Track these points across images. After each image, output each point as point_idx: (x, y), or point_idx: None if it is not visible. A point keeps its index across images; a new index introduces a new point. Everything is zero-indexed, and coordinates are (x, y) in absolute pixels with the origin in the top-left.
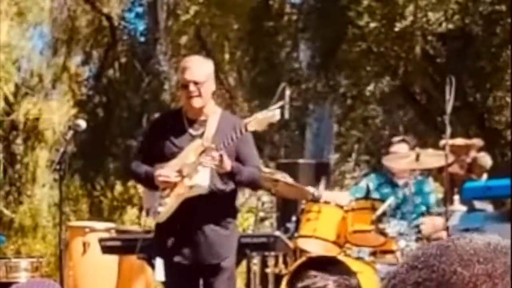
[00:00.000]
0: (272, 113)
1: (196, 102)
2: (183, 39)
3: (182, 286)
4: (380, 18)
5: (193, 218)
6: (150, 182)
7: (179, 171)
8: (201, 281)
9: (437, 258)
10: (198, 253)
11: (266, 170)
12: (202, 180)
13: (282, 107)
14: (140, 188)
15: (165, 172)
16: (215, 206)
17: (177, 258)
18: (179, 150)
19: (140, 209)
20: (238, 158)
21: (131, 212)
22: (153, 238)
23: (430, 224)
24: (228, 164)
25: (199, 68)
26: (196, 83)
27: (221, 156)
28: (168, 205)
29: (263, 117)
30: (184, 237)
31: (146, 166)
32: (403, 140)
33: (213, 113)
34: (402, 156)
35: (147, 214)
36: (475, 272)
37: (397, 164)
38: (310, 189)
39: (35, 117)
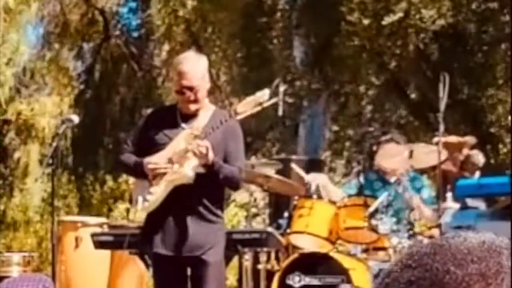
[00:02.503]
0: (261, 93)
1: (192, 107)
2: (176, 35)
3: (167, 278)
4: (372, 14)
5: (179, 210)
6: (139, 171)
7: (170, 160)
8: (189, 282)
9: (431, 257)
10: (181, 244)
11: (262, 160)
12: (192, 167)
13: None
14: (132, 185)
15: (155, 160)
16: (204, 197)
17: (161, 249)
18: (170, 142)
19: (130, 202)
20: (225, 153)
21: (122, 208)
22: (141, 230)
23: (420, 213)
24: (211, 157)
25: (196, 72)
26: (192, 88)
27: (207, 147)
28: (157, 193)
29: (252, 98)
30: (169, 228)
31: (135, 156)
32: (391, 139)
33: (207, 109)
34: (395, 154)
35: (136, 203)
36: (468, 272)
37: (390, 163)
38: (308, 177)
39: (27, 111)
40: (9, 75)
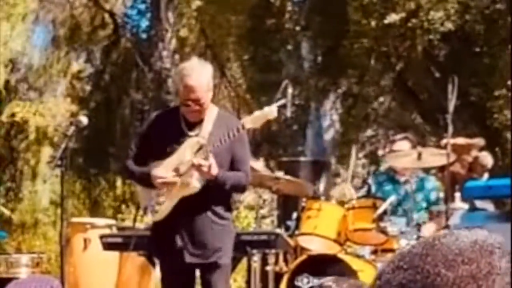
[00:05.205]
0: (269, 110)
1: (196, 117)
2: (186, 36)
3: (176, 280)
4: (379, 15)
5: (190, 215)
6: (146, 182)
7: (176, 170)
8: (197, 277)
9: (422, 258)
10: (190, 247)
11: (266, 172)
12: (199, 178)
13: (284, 105)
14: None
15: (162, 173)
16: (211, 202)
17: (170, 253)
18: (175, 150)
19: (137, 208)
20: (232, 158)
21: (132, 210)
22: (150, 235)
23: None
24: (215, 172)
25: (202, 85)
26: (197, 100)
27: (210, 165)
28: (165, 203)
29: (260, 114)
30: (178, 232)
31: (141, 165)
32: (405, 138)
33: (210, 113)
34: (404, 155)
35: (145, 212)
36: (459, 274)
37: (399, 162)
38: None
39: (36, 113)
40: (15, 77)
